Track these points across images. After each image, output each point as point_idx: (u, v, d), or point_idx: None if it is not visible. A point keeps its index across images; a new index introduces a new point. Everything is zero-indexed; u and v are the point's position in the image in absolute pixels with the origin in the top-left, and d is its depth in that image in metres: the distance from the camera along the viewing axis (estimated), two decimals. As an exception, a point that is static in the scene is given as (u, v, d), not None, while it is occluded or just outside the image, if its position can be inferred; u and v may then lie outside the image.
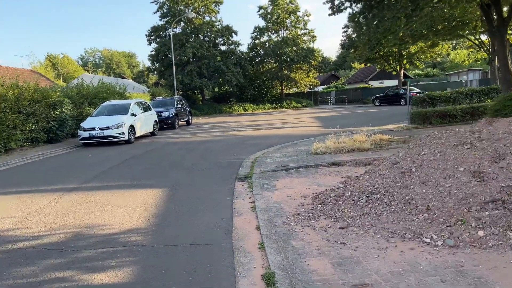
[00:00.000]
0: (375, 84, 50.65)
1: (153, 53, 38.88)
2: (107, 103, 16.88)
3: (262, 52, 44.35)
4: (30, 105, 14.24)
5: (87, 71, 67.20)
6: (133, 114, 15.82)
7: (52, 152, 13.41)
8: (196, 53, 37.40)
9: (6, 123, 12.59)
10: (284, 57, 42.91)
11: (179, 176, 8.52)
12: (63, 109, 15.87)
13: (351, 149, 10.36)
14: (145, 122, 16.91)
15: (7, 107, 12.70)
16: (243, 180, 7.89)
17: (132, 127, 15.30)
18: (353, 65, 63.14)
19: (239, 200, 6.39)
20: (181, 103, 23.98)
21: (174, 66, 33.52)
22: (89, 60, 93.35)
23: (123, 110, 15.80)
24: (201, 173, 8.73)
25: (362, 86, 50.32)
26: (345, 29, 37.42)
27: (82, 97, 18.17)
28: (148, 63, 42.85)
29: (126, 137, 14.75)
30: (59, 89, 16.53)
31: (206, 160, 10.52)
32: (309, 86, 46.29)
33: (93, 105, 18.25)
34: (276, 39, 44.17)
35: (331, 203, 5.67)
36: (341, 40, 42.18)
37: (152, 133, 17.92)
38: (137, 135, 15.93)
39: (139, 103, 17.41)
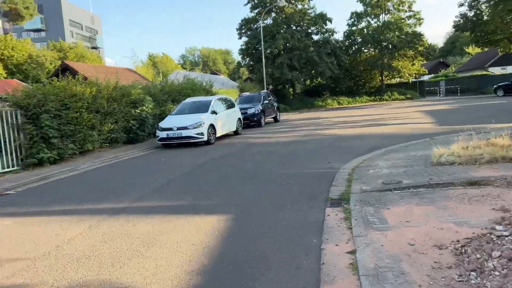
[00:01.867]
0: (496, 71, 43.30)
1: (243, 47, 37.85)
2: (187, 100, 15.71)
3: (360, 40, 40.56)
4: (108, 104, 13.54)
5: (185, 68, 69.70)
6: (213, 112, 14.35)
7: (127, 154, 12.48)
8: (287, 44, 35.46)
9: (81, 123, 11.90)
10: (385, 43, 38.69)
11: (252, 192, 6.53)
12: (144, 107, 15.02)
13: (491, 158, 7.31)
14: (227, 121, 15.36)
15: (83, 106, 12.00)
16: (337, 204, 5.60)
17: (212, 126, 13.81)
18: (466, 50, 55.34)
19: (330, 246, 4.15)
20: (268, 98, 22.13)
21: (263, 59, 31.95)
22: (189, 58, 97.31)
23: (204, 107, 14.42)
24: (280, 190, 6.63)
25: (479, 73, 43.39)
26: (462, 7, 32.22)
27: (165, 94, 17.32)
28: (239, 58, 42.08)
29: (205, 138, 13.29)
30: (140, 86, 15.78)
31: (289, 169, 8.40)
32: (414, 75, 41.32)
33: (177, 102, 17.29)
34: (375, 24, 40.05)
35: (497, 273, 3.16)
36: (454, 22, 36.69)
37: (236, 132, 16.33)
38: (218, 135, 14.42)
39: (221, 100, 15.93)
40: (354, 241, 4.20)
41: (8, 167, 10.15)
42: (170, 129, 13.28)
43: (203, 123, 13.35)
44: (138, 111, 14.87)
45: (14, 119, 10.41)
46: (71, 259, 4.17)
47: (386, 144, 10.69)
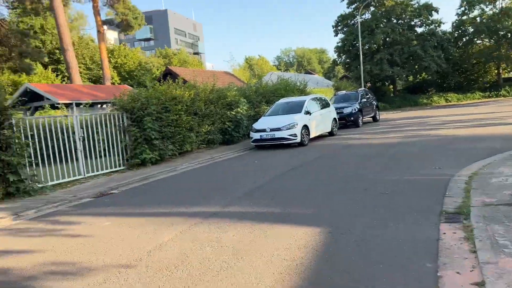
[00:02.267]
0: None
1: (339, 44, 36.71)
2: (281, 101, 15.48)
3: (472, 30, 36.54)
4: (206, 106, 13.89)
5: (280, 69, 70.22)
6: (307, 112, 13.89)
7: (222, 155, 12.63)
8: (387, 39, 33.47)
9: (181, 125, 12.34)
10: (503, 32, 34.28)
11: (350, 201, 5.90)
12: (239, 109, 15.16)
13: None
14: (321, 121, 14.76)
15: (182, 109, 12.44)
16: (455, 220, 4.75)
17: (306, 127, 13.36)
18: None
19: (450, 274, 3.41)
20: (366, 96, 20.91)
21: (361, 56, 30.47)
22: (284, 59, 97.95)
23: (297, 108, 14.04)
24: (383, 199, 5.89)
25: None
26: None
27: (260, 95, 17.33)
28: (334, 56, 40.94)
29: (298, 139, 12.88)
30: (235, 89, 15.97)
31: (392, 175, 7.55)
32: (540, 66, 35.99)
33: (271, 103, 17.18)
34: (491, 11, 35.70)
35: None
36: None
37: (330, 133, 15.64)
38: (312, 136, 13.92)
39: (315, 99, 15.39)
40: (481, 269, 3.40)
41: (115, 166, 10.90)
42: (264, 130, 13.16)
43: (296, 124, 12.97)
44: (233, 112, 15.05)
45: (121, 122, 11.15)
46: (161, 267, 4.06)
47: (509, 147, 9.15)
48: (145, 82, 13.62)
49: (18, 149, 8.06)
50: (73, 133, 10.14)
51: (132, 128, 11.11)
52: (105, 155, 10.81)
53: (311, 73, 57.28)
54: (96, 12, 27.54)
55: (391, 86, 39.03)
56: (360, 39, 30.90)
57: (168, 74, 24.06)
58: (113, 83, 35.10)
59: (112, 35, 70.33)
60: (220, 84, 19.12)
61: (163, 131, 11.69)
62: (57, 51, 34.41)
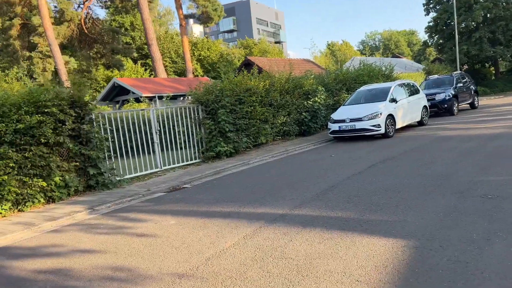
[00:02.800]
0: None
1: (431, 24, 33.56)
2: (363, 88, 14.31)
3: None
4: (281, 96, 13.37)
5: (364, 54, 66.97)
6: (393, 100, 12.63)
7: (297, 148, 12.04)
8: (488, 15, 29.65)
9: (255, 117, 12.01)
10: None
11: (442, 208, 4.98)
12: (316, 98, 14.37)
13: None
14: (409, 110, 13.36)
15: (256, 100, 12.07)
16: None
17: (391, 116, 12.17)
18: None
19: None
20: (463, 81, 18.62)
21: (456, 35, 27.44)
22: (369, 43, 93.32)
23: (381, 95, 12.85)
24: (484, 205, 4.87)
25: None
26: None
27: (339, 82, 16.29)
28: (425, 37, 37.59)
29: (382, 130, 11.78)
30: (312, 77, 15.17)
31: (495, 174, 6.35)
32: None
33: (352, 91, 16.08)
34: None
35: None
36: None
37: (420, 123, 14.14)
38: (398, 126, 12.66)
39: (403, 85, 13.95)
40: None
41: (191, 159, 10.94)
42: (343, 121, 12.25)
43: (380, 113, 11.86)
44: (310, 102, 14.33)
45: (196, 114, 11.12)
46: (217, 280, 3.67)
47: None
48: (223, 73, 13.51)
49: (97, 143, 8.34)
50: (151, 126, 10.33)
51: (206, 120, 11.03)
52: (181, 148, 10.89)
53: (398, 57, 53.67)
54: (178, 6, 28.42)
55: (492, 68, 34.79)
56: (455, 16, 27.80)
57: (247, 65, 23.98)
58: (196, 76, 36.24)
59: (197, 29, 72.93)
60: (298, 73, 18.43)
61: (237, 123, 11.46)
62: (145, 46, 36.41)
